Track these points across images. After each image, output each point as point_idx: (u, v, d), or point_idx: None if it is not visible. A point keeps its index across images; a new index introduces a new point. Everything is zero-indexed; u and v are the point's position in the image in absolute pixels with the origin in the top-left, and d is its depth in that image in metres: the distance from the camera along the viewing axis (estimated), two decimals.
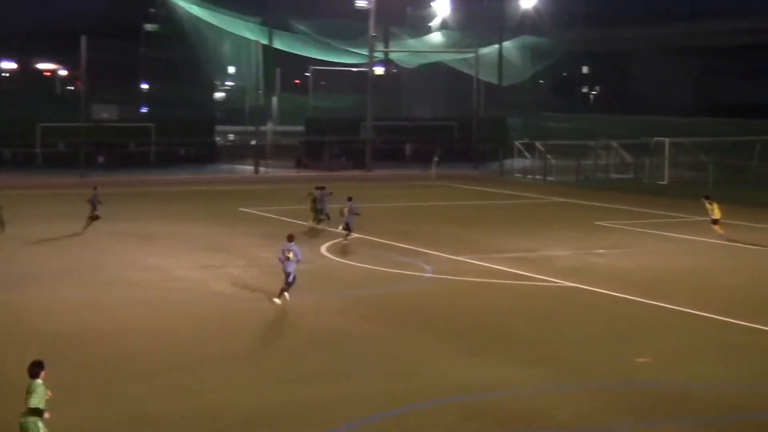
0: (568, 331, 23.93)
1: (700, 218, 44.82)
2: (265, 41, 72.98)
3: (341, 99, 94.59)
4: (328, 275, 30.95)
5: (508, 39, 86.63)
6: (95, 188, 39.87)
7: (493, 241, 37.78)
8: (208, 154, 71.54)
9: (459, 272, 31.52)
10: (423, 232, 40.26)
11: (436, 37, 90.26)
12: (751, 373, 20.49)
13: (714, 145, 65.28)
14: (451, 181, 62.47)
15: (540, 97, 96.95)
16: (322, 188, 41.14)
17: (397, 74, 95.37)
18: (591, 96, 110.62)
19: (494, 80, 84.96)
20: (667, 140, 63.80)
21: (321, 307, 26.40)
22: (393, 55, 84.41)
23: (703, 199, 39.51)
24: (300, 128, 79.90)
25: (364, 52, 73.31)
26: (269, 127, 79.61)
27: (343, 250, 35.23)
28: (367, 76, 70.12)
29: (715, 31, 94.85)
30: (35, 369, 14.48)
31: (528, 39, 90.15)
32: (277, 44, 74.96)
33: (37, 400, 14.14)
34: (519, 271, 31.56)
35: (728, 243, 37.60)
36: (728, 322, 24.88)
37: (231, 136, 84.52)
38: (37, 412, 14.14)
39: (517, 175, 66.68)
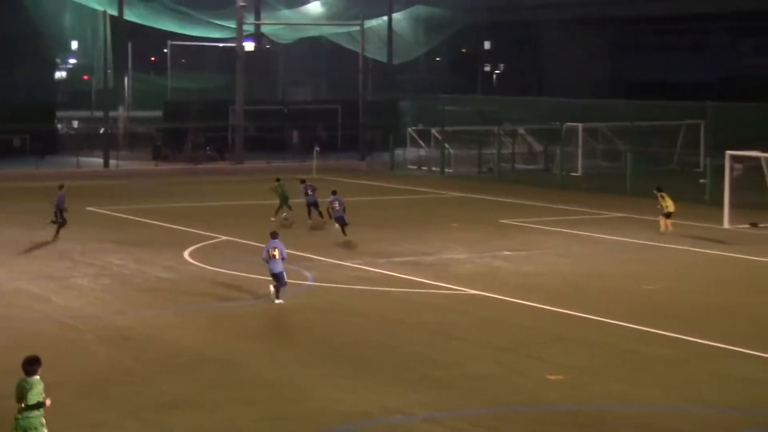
0: (467, 347, 24.35)
1: (618, 214, 45.98)
2: (114, 12, 72.20)
3: (206, 79, 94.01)
4: (190, 285, 30.91)
5: (398, 10, 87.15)
6: (61, 187, 39.43)
7: (384, 244, 38.14)
8: (48, 145, 70.42)
9: (345, 279, 31.79)
10: (303, 233, 40.42)
11: (315, 8, 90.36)
12: (670, 390, 21.09)
13: (633, 130, 66.76)
14: (334, 174, 62.69)
15: (436, 77, 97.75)
16: (303, 181, 43.69)
17: (270, 51, 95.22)
18: (494, 75, 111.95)
19: (383, 58, 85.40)
20: (580, 125, 65.03)
21: (181, 324, 26.40)
22: (266, 29, 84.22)
23: (655, 192, 40.92)
24: (158, 113, 79.23)
25: (232, 24, 73.02)
26: (121, 112, 78.74)
27: (209, 256, 35.19)
28: (236, 53, 69.88)
29: None
30: (33, 366, 15.62)
31: (421, 9, 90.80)
32: (129, 15, 74.11)
33: (37, 395, 15.41)
34: (413, 278, 31.96)
35: (649, 243, 38.62)
36: (647, 332, 25.60)
37: (75, 123, 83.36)
38: (39, 406, 15.45)
39: (411, 166, 67.26)
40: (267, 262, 28.12)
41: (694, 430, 18.86)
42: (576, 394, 20.67)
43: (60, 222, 38.44)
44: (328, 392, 20.65)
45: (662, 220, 40.34)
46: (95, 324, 26.14)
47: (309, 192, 42.36)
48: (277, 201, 43.36)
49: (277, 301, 28.06)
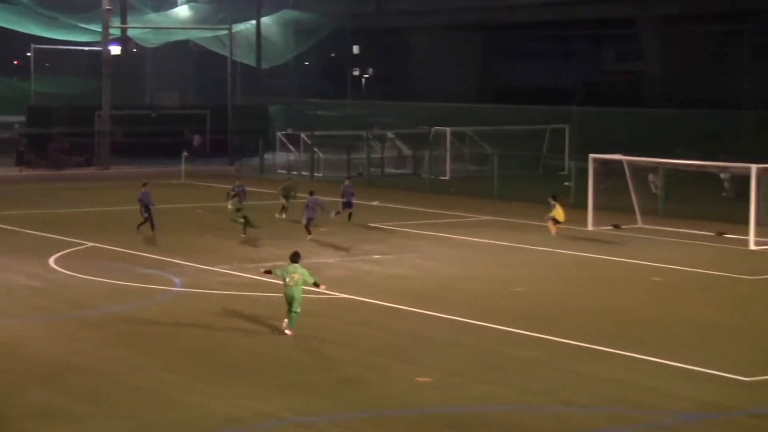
0: (336, 350, 24.42)
1: (486, 217, 46.55)
2: None
3: (71, 84, 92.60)
4: (55, 293, 30.47)
5: (267, 14, 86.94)
6: (145, 185, 41.20)
7: (253, 248, 38.03)
8: None
9: (213, 285, 31.63)
10: (171, 239, 40.10)
11: (182, 12, 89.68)
12: (531, 390, 21.39)
13: (499, 134, 67.62)
14: (203, 179, 62.32)
15: (305, 82, 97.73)
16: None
17: (137, 55, 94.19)
18: (363, 80, 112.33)
19: (252, 62, 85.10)
20: (448, 129, 65.65)
21: (45, 333, 25.96)
22: (132, 33, 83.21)
23: (549, 200, 41.69)
24: (21, 118, 77.84)
25: (98, 28, 72.07)
26: None
27: (75, 263, 34.67)
28: (102, 57, 68.98)
29: (501, 5, 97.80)
30: (297, 257, 25.30)
31: (290, 14, 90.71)
32: None
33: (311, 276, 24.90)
34: (281, 282, 31.83)
35: (516, 245, 39.18)
36: (511, 332, 25.96)
37: None
38: (316, 284, 25.10)
39: (281, 171, 67.09)
40: None
41: (553, 429, 19.16)
42: (443, 396, 20.86)
43: (146, 220, 40.62)
44: (196, 399, 20.51)
45: (550, 224, 41.10)
46: None
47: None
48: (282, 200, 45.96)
49: None
